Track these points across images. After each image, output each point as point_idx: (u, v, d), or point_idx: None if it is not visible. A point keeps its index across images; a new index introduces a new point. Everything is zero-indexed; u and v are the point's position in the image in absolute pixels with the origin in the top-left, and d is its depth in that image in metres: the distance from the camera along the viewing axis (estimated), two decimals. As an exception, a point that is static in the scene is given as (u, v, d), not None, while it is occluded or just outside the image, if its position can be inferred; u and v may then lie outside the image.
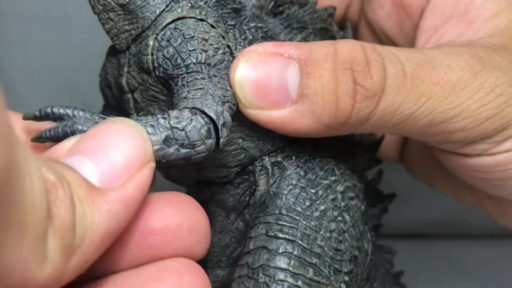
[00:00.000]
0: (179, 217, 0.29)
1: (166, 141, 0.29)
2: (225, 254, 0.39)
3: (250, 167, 0.36)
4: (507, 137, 0.34)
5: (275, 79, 0.32)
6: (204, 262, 0.40)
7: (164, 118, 0.30)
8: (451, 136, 0.34)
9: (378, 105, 0.33)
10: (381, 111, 0.33)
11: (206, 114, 0.30)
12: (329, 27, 0.40)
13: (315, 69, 0.32)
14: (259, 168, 0.36)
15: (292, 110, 0.33)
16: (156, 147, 0.29)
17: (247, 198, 0.37)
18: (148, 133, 0.29)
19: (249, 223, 0.37)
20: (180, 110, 0.30)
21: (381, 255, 0.42)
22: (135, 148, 0.26)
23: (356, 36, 0.44)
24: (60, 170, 0.24)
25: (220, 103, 0.31)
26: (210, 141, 0.30)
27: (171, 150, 0.29)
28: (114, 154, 0.26)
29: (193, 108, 0.30)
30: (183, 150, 0.30)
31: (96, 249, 0.25)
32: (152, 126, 0.29)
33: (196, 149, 0.30)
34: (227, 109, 0.32)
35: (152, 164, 0.27)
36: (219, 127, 0.30)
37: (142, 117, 0.30)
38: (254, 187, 0.37)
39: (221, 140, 0.31)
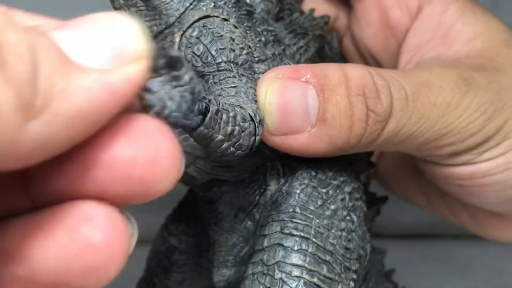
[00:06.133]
0: (134, 148, 0.23)
1: (230, 134, 0.30)
2: (232, 254, 0.39)
3: (261, 167, 0.37)
4: (487, 148, 0.37)
5: (298, 105, 0.33)
6: (210, 262, 0.40)
7: (235, 113, 0.30)
8: (439, 150, 0.37)
9: (385, 128, 0.35)
10: (386, 133, 0.35)
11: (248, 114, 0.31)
12: (325, 34, 0.41)
13: (332, 94, 0.33)
14: (270, 168, 0.37)
15: (311, 134, 0.34)
16: (220, 137, 0.29)
17: (257, 197, 0.37)
18: (221, 120, 0.29)
19: (259, 222, 0.37)
20: (241, 107, 0.31)
21: (373, 256, 0.42)
22: (128, 37, 0.23)
23: (340, 47, 0.46)
24: (36, 34, 0.21)
25: (253, 101, 0.32)
26: (252, 140, 0.31)
27: (225, 145, 0.30)
28: (103, 37, 0.22)
29: (236, 105, 0.31)
30: (232, 149, 0.30)
31: (63, 127, 0.21)
32: (227, 116, 0.30)
33: (238, 152, 0.31)
34: (258, 108, 0.32)
35: (146, 64, 0.23)
36: (256, 124, 0.31)
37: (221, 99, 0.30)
38: (264, 187, 0.37)
39: (257, 138, 0.31)
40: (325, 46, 0.41)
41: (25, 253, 0.22)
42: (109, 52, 0.22)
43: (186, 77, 0.27)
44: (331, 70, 0.34)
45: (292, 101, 0.33)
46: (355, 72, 0.34)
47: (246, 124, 0.30)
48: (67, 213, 0.22)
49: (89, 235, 0.22)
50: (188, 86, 0.27)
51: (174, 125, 0.27)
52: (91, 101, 0.21)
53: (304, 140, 0.33)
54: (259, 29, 0.36)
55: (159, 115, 0.26)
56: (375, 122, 0.34)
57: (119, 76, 0.22)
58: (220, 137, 0.29)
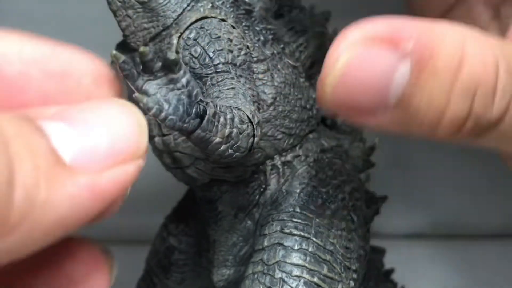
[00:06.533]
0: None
1: (228, 137, 0.30)
2: (232, 253, 0.39)
3: (261, 166, 0.37)
4: None
5: (379, 81, 0.25)
6: (210, 261, 0.40)
7: (232, 115, 0.30)
8: None
9: (483, 134, 0.27)
10: (483, 139, 0.27)
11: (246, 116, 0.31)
12: (325, 31, 0.41)
13: (431, 78, 0.25)
14: (270, 167, 0.37)
15: (383, 116, 0.26)
16: (217, 140, 0.29)
17: (257, 197, 0.37)
18: (219, 123, 0.29)
19: (258, 221, 0.37)
20: (239, 109, 0.31)
21: (373, 256, 0.42)
22: (126, 136, 0.22)
23: None
24: (23, 129, 0.19)
25: (252, 102, 0.32)
26: (250, 142, 0.31)
27: (223, 147, 0.30)
28: (100, 133, 0.21)
29: (234, 107, 0.31)
30: (230, 151, 0.30)
31: (41, 237, 0.20)
32: (225, 118, 0.29)
33: (236, 154, 0.31)
34: (257, 108, 0.32)
35: (141, 163, 0.22)
36: (255, 126, 0.31)
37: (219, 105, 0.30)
38: (264, 186, 0.37)
39: (255, 139, 0.31)
40: (327, 42, 0.41)
41: None
42: (103, 150, 0.21)
43: (183, 80, 0.27)
44: (448, 44, 0.25)
45: (371, 77, 0.25)
46: (476, 58, 0.25)
47: (244, 126, 0.30)
48: (50, 249, 0.22)
49: (71, 272, 0.23)
50: (185, 89, 0.27)
51: (171, 128, 0.27)
52: (74, 209, 0.20)
53: (374, 120, 0.26)
54: (257, 28, 0.36)
55: (155, 118, 0.26)
56: (472, 129, 0.27)
57: (108, 179, 0.21)
58: (217, 139, 0.29)
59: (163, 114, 0.26)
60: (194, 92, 0.28)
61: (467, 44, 0.25)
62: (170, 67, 0.27)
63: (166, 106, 0.26)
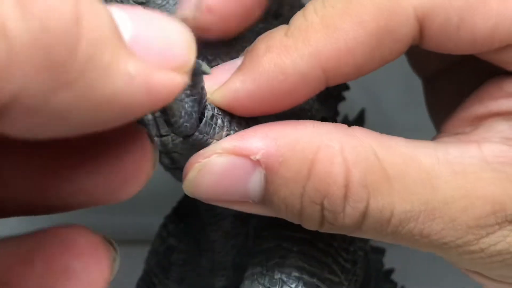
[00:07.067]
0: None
1: None
2: (231, 254, 0.39)
3: None
4: None
5: (236, 185, 0.27)
6: (209, 262, 0.40)
7: (230, 117, 0.30)
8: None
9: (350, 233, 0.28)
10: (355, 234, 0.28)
11: None
12: None
13: (282, 186, 0.26)
14: None
15: (252, 207, 0.28)
16: (215, 142, 0.29)
17: None
18: (216, 125, 0.29)
19: (258, 223, 0.37)
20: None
21: (373, 256, 0.42)
22: (179, 46, 0.21)
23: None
24: None
25: None
26: None
27: None
28: (157, 34, 0.21)
29: None
30: None
31: (93, 106, 0.18)
32: (222, 120, 0.29)
33: None
34: None
35: (186, 79, 0.21)
36: None
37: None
38: None
39: None
40: None
41: (4, 281, 0.21)
42: (157, 50, 0.21)
43: (199, 87, 0.27)
44: (298, 155, 0.26)
45: (226, 188, 0.27)
46: (324, 169, 0.26)
47: (242, 129, 0.30)
48: (47, 240, 0.22)
49: (68, 263, 0.22)
50: (197, 96, 0.27)
51: (179, 133, 0.27)
52: (129, 91, 0.19)
53: (245, 209, 0.28)
54: (257, 28, 0.36)
55: (174, 124, 0.26)
56: (333, 229, 0.27)
57: (161, 78, 0.20)
58: (215, 141, 0.29)
59: (180, 121, 0.26)
60: (204, 99, 0.28)
61: (317, 153, 0.26)
62: (196, 74, 0.27)
63: (183, 112, 0.26)
